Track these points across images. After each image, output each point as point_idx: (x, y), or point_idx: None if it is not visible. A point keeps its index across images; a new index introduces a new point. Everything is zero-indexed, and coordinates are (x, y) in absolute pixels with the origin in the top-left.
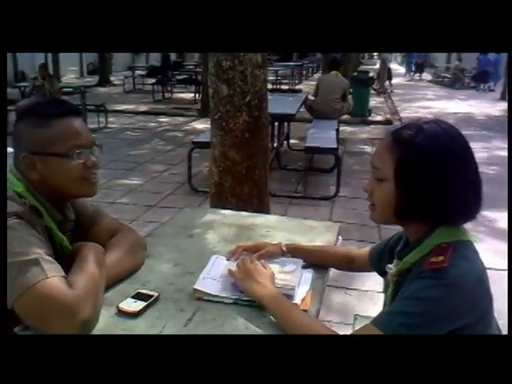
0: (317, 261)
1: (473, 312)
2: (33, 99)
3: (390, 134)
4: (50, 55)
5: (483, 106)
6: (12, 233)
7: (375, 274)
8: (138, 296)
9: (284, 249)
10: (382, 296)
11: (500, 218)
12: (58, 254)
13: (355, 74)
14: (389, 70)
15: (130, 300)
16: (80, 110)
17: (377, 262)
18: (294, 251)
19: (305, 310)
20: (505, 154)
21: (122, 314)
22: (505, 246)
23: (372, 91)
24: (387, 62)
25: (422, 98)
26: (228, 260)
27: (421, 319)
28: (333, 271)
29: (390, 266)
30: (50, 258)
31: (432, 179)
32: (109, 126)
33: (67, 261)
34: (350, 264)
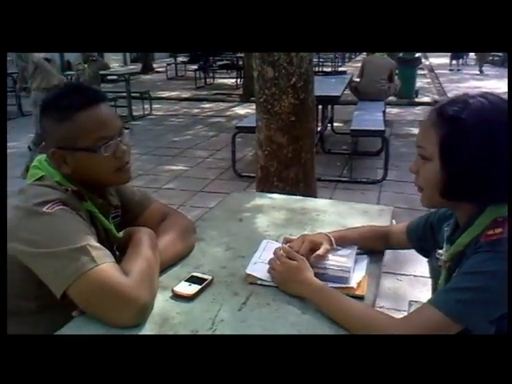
0: (355, 243)
1: None
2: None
3: (434, 110)
4: None
5: None
6: (57, 220)
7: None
8: (192, 279)
9: (334, 243)
10: None
11: None
12: (102, 239)
13: (401, 54)
14: None
15: (184, 283)
16: (104, 95)
17: (416, 240)
18: (340, 241)
19: (361, 296)
20: None
21: (177, 297)
22: None
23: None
24: None
25: (470, 78)
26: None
27: (478, 294)
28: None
29: (440, 251)
30: (98, 245)
31: (478, 156)
32: (153, 112)
33: (118, 246)
34: (387, 241)
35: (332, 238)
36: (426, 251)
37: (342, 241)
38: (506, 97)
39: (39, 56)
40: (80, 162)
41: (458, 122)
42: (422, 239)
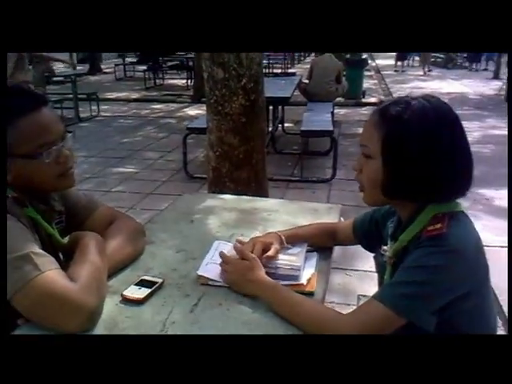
0: (304, 241)
1: (473, 279)
2: None
3: (377, 110)
4: None
5: (476, 85)
6: None
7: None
8: (142, 283)
9: (284, 242)
10: None
11: (496, 196)
12: (46, 246)
13: (348, 55)
14: None
15: (134, 287)
16: (46, 98)
17: (361, 236)
18: (291, 239)
19: (311, 292)
20: (499, 132)
21: (126, 301)
22: (502, 224)
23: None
24: None
25: (414, 78)
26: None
27: (422, 288)
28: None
29: (384, 248)
30: (41, 252)
31: (419, 155)
32: (101, 114)
33: (64, 252)
34: (334, 237)
35: (282, 237)
36: (372, 247)
37: (293, 239)
38: (446, 97)
39: None
40: (21, 168)
41: (399, 122)
42: (368, 235)
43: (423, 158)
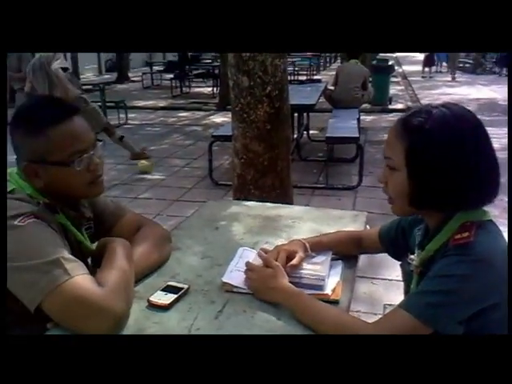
0: (329, 249)
1: (500, 290)
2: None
3: (399, 121)
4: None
5: (505, 91)
6: (30, 233)
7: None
8: (168, 288)
9: (309, 250)
10: None
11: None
12: (75, 251)
13: (375, 61)
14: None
15: (160, 293)
16: (78, 107)
17: (388, 244)
18: (315, 247)
19: (336, 301)
20: None
21: (153, 307)
22: None
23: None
24: None
25: (442, 84)
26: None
27: (447, 297)
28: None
29: (412, 257)
30: (71, 257)
31: (443, 165)
32: (129, 122)
33: (92, 258)
34: (359, 245)
35: (307, 244)
36: (399, 255)
37: (317, 246)
38: (474, 103)
39: (56, 65)
40: (53, 175)
41: (421, 133)
42: (394, 243)
43: (447, 168)
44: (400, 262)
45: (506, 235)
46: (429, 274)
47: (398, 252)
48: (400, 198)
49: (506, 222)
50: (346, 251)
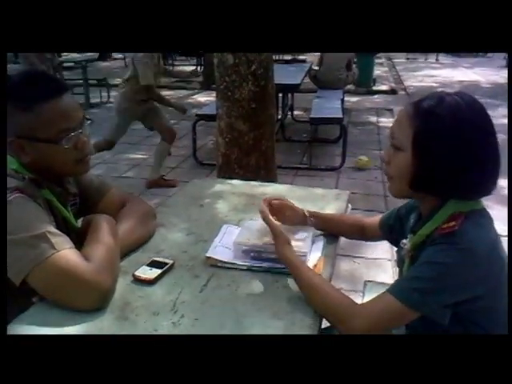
0: (333, 229)
1: (486, 281)
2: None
3: (411, 103)
4: None
5: (489, 74)
6: (15, 208)
7: (382, 242)
8: (153, 264)
9: (307, 214)
10: (390, 264)
11: (505, 185)
12: (60, 227)
13: None
14: None
15: (145, 268)
16: (67, 85)
17: (387, 231)
18: (315, 217)
19: None
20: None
21: (138, 281)
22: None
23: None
24: None
25: (426, 66)
26: (251, 220)
27: (434, 284)
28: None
29: (404, 241)
30: (57, 231)
31: (449, 151)
32: (111, 100)
33: (77, 234)
34: (362, 232)
35: (306, 213)
36: (398, 241)
37: (317, 218)
38: (458, 85)
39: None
40: (40, 152)
41: (432, 117)
42: (393, 230)
43: (453, 153)
44: (397, 248)
45: (506, 236)
46: (417, 261)
47: (397, 239)
48: (400, 178)
49: (487, 203)
50: (350, 235)
